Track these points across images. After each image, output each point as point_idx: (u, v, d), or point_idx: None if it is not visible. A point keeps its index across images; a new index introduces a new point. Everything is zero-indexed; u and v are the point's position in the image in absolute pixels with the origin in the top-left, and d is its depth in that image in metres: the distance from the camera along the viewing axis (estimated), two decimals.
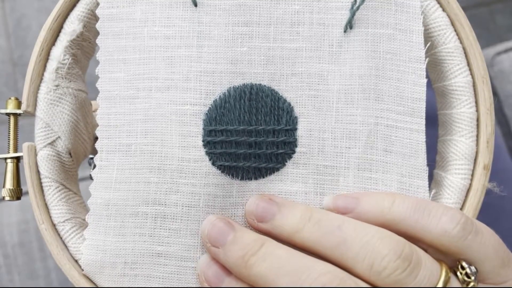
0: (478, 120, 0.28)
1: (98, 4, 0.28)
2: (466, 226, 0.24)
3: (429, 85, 0.29)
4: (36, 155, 0.28)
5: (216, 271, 0.25)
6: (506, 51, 0.72)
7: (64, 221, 0.28)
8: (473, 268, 0.24)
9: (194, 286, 0.27)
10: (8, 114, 0.28)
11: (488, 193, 0.28)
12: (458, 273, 0.24)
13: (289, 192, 0.27)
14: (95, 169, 0.27)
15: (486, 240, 0.24)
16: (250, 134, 0.27)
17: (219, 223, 0.26)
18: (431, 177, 0.29)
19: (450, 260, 0.25)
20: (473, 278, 0.23)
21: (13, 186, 0.28)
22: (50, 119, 0.28)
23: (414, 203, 0.25)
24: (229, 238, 0.25)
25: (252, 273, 0.23)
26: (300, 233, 0.24)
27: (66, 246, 0.28)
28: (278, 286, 0.23)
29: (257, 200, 0.26)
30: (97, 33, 0.28)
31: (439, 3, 0.28)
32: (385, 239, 0.23)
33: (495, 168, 0.29)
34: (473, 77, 0.28)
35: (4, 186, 0.28)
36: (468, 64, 0.28)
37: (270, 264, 0.23)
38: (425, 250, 0.25)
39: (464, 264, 0.24)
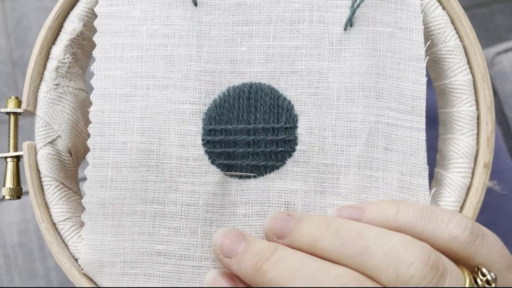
0: (478, 118, 0.28)
1: (98, 2, 0.28)
2: (473, 230, 0.23)
3: (429, 84, 0.28)
4: (36, 154, 0.28)
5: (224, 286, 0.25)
6: (506, 51, 0.72)
7: (64, 220, 0.28)
8: (493, 274, 0.23)
9: (194, 285, 0.27)
10: (8, 113, 0.28)
11: (488, 192, 0.28)
12: (478, 280, 0.23)
13: (289, 190, 0.27)
14: (88, 167, 0.27)
15: (492, 244, 0.24)
16: (249, 132, 0.27)
17: (231, 234, 0.25)
18: (431, 175, 0.29)
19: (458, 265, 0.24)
20: (493, 285, 0.23)
21: (13, 185, 0.28)
22: (50, 118, 0.28)
23: (419, 209, 0.24)
24: (241, 248, 0.24)
25: (266, 279, 0.23)
26: (319, 243, 0.23)
27: (66, 245, 0.28)
28: None
29: (274, 216, 0.26)
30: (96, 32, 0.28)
31: (439, 1, 0.28)
32: (409, 245, 0.22)
33: (495, 168, 0.29)
34: (473, 76, 0.28)
35: (4, 185, 0.28)
36: (468, 62, 0.28)
37: (284, 268, 0.23)
38: None
39: (484, 270, 0.23)
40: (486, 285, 0.23)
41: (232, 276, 0.25)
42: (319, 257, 0.24)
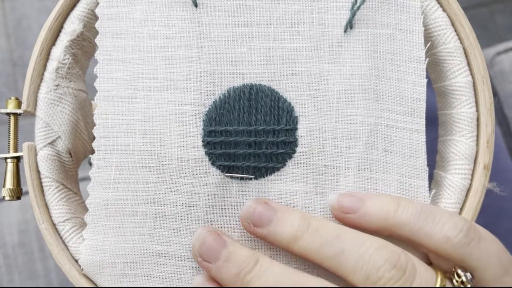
0: (478, 120, 0.28)
1: (98, 3, 0.28)
2: (469, 233, 0.24)
3: (429, 85, 0.28)
4: (36, 155, 0.28)
5: None
6: (506, 51, 0.72)
7: (64, 221, 0.28)
8: (468, 275, 0.24)
9: (194, 286, 0.27)
10: (8, 114, 0.28)
11: (488, 193, 0.28)
12: (454, 281, 0.24)
13: (290, 192, 0.27)
14: (92, 169, 0.27)
15: (489, 247, 0.24)
16: (250, 134, 0.27)
17: (209, 237, 0.25)
18: (431, 177, 0.29)
19: (452, 266, 0.25)
20: (469, 286, 0.24)
21: (13, 186, 0.28)
22: (50, 119, 0.28)
23: (419, 209, 0.25)
24: (222, 254, 0.25)
25: None
26: (298, 242, 0.25)
27: (66, 246, 0.28)
28: None
29: (253, 204, 0.26)
30: (97, 33, 0.28)
31: (439, 3, 0.28)
32: (381, 249, 0.23)
33: (495, 168, 0.29)
34: (473, 77, 0.28)
35: (4, 186, 0.28)
36: (468, 64, 0.28)
37: (266, 281, 0.24)
38: (427, 255, 0.25)
39: (459, 271, 0.24)
40: (461, 286, 0.24)
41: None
42: (296, 254, 0.25)
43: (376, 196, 0.26)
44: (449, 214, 0.25)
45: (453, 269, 0.24)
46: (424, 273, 0.23)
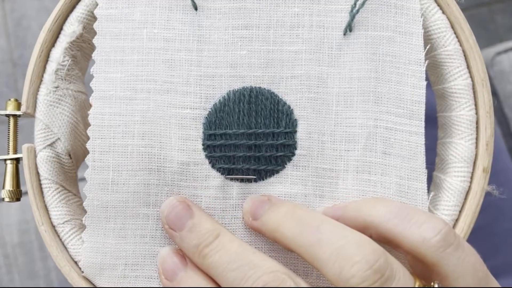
0: (477, 122, 0.28)
1: (97, 5, 0.28)
2: (447, 237, 0.23)
3: (429, 85, 0.28)
4: (35, 156, 0.28)
5: (174, 262, 0.26)
6: (506, 51, 0.72)
7: (63, 223, 0.28)
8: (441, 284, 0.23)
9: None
10: (7, 116, 0.28)
11: (488, 194, 0.28)
12: None
13: (289, 194, 0.27)
14: (87, 170, 0.27)
15: (466, 257, 0.23)
16: (250, 137, 0.27)
17: (178, 206, 0.26)
18: (430, 179, 0.29)
19: (428, 272, 0.24)
20: None
21: (13, 188, 0.28)
22: (50, 120, 0.28)
23: (396, 207, 0.24)
24: (186, 224, 0.25)
25: (205, 262, 0.24)
26: (280, 228, 0.24)
27: (65, 248, 0.28)
28: (225, 279, 0.23)
29: (252, 198, 0.27)
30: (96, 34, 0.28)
31: (438, 5, 0.28)
32: (361, 246, 0.22)
33: (495, 169, 0.29)
34: (472, 80, 0.28)
35: (3, 188, 0.28)
36: (468, 66, 0.28)
37: (220, 257, 0.24)
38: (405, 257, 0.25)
39: (436, 286, 0.23)
40: None
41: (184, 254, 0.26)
42: (279, 243, 0.25)
43: (357, 200, 0.26)
44: (429, 215, 0.24)
45: (432, 283, 0.23)
46: (403, 280, 0.22)
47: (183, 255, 0.26)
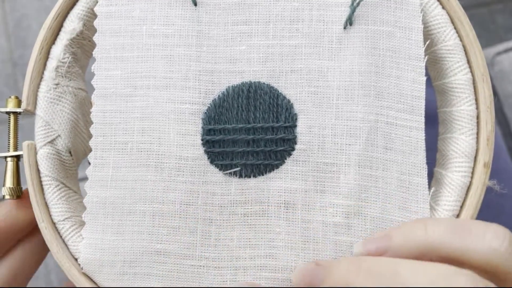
0: (478, 117, 0.28)
1: (97, 2, 0.28)
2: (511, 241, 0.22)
3: (429, 83, 0.28)
4: (36, 153, 0.28)
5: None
6: (506, 51, 0.72)
7: (64, 220, 0.28)
8: None
9: (193, 285, 0.27)
10: (8, 113, 0.28)
11: (489, 192, 0.28)
12: None
13: (289, 189, 0.27)
14: (89, 167, 0.27)
15: None
16: (248, 132, 0.27)
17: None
18: (431, 175, 0.29)
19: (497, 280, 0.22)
20: None
21: (13, 185, 0.28)
22: (50, 117, 0.28)
23: (449, 223, 0.23)
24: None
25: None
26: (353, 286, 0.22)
27: (66, 245, 0.28)
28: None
29: (302, 268, 0.25)
30: (96, 31, 0.28)
31: (438, 0, 0.28)
32: (452, 276, 0.20)
33: (495, 168, 0.29)
34: (473, 75, 0.28)
35: (4, 185, 0.28)
36: (468, 61, 0.28)
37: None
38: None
39: None
40: None
41: None
42: None
43: (400, 226, 0.24)
44: (484, 223, 0.22)
45: None
46: None
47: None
